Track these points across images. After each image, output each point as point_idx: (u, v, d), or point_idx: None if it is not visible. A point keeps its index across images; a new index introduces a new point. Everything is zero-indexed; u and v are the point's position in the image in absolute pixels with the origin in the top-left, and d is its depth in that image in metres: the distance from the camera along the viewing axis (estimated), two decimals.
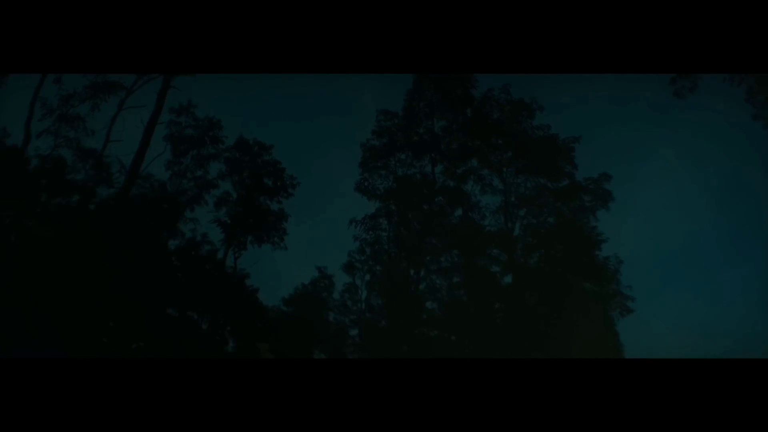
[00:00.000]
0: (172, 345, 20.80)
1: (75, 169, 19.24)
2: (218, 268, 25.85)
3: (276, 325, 28.77)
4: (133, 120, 19.27)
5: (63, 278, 16.41)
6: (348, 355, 31.53)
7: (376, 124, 26.06)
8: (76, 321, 15.81)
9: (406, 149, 25.72)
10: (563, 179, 22.97)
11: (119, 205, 20.21)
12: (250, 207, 26.02)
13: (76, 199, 20.29)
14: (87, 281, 16.82)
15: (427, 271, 28.61)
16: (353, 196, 26.58)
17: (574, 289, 21.25)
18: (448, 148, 25.86)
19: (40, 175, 20.01)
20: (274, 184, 26.29)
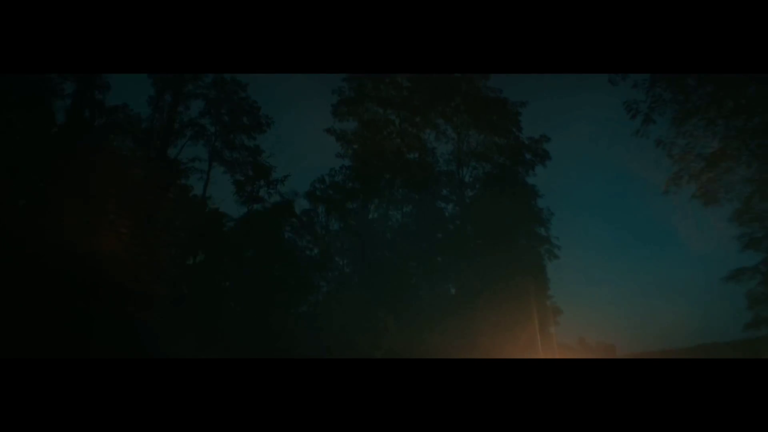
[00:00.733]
0: None
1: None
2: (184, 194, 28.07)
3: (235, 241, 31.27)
4: None
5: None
6: (302, 267, 34.85)
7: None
8: None
9: (374, 99, 28.60)
10: (509, 137, 27.35)
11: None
12: (228, 142, 28.17)
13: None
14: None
15: (381, 201, 32.90)
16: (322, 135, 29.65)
17: (511, 229, 26.40)
18: (410, 98, 29.07)
19: None
20: (250, 122, 28.35)
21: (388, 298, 28.02)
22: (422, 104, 28.82)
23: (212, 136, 27.88)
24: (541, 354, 20.78)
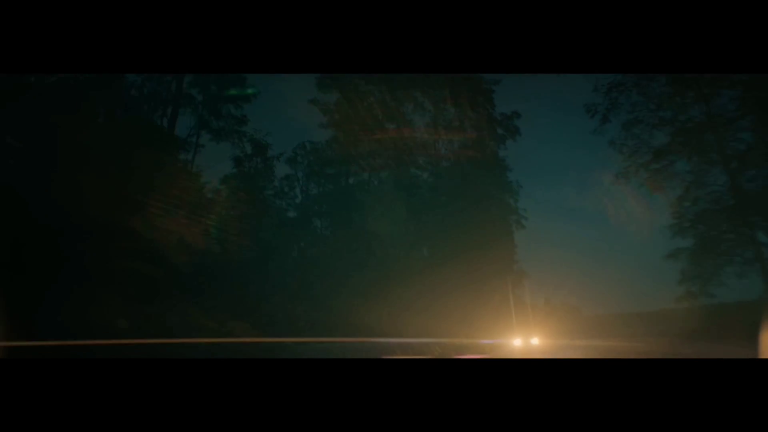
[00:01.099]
0: None
1: None
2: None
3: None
4: None
5: None
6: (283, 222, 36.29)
7: None
8: None
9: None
10: (483, 112, 29.42)
11: None
12: (215, 112, 29.25)
13: None
14: None
15: (360, 168, 34.74)
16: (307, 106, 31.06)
17: (482, 199, 28.82)
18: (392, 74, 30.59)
19: None
20: (237, 92, 29.42)
21: (363, 258, 30.05)
22: (402, 78, 30.37)
23: (199, 105, 28.88)
24: (514, 313, 23.55)
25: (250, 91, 29.01)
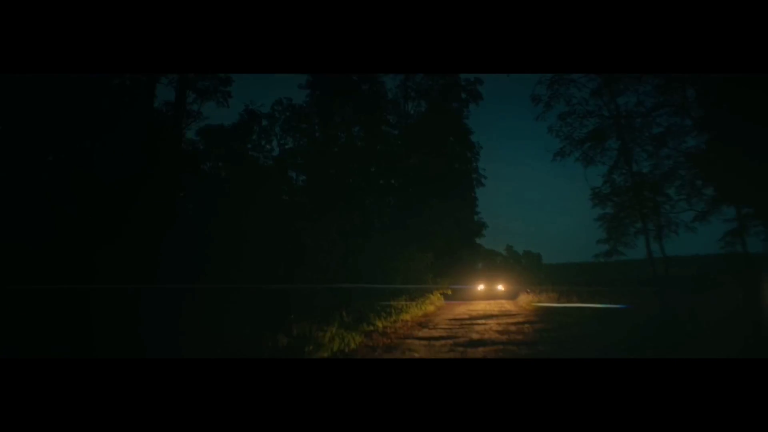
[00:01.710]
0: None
1: None
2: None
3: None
4: None
5: None
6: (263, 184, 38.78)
7: None
8: None
9: None
10: (448, 78, 32.20)
11: None
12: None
13: None
14: None
15: (333, 125, 37.24)
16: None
17: (448, 157, 32.11)
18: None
19: None
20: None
21: (334, 208, 32.98)
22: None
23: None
24: (480, 262, 26.83)
25: None
